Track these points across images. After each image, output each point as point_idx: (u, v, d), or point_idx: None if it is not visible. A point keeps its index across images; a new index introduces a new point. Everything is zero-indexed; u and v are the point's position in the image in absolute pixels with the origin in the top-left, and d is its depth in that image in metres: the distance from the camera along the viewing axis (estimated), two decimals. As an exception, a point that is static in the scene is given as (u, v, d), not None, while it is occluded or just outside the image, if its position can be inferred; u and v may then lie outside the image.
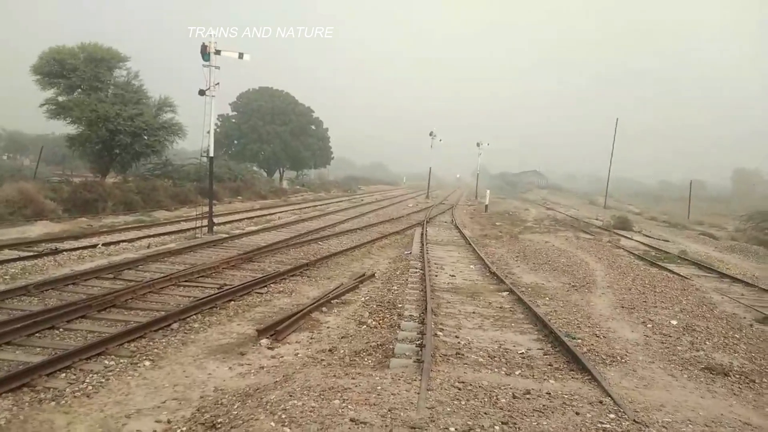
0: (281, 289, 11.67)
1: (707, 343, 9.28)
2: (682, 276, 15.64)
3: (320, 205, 37.03)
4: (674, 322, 10.37)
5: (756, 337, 9.88)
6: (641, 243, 24.10)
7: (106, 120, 27.88)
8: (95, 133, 28.17)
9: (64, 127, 30.29)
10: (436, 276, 13.64)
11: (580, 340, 8.76)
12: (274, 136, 56.68)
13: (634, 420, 5.64)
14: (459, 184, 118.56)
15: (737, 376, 7.76)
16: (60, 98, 28.78)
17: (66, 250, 14.02)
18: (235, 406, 5.79)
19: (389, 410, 5.48)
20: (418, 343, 8.04)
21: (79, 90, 28.97)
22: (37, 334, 7.83)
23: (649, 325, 10.16)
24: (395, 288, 12.15)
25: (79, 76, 28.19)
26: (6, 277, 11.28)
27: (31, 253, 13.38)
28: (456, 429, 5.15)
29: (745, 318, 11.39)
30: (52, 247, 14.16)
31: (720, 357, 8.59)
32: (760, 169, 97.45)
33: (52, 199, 21.37)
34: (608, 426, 5.46)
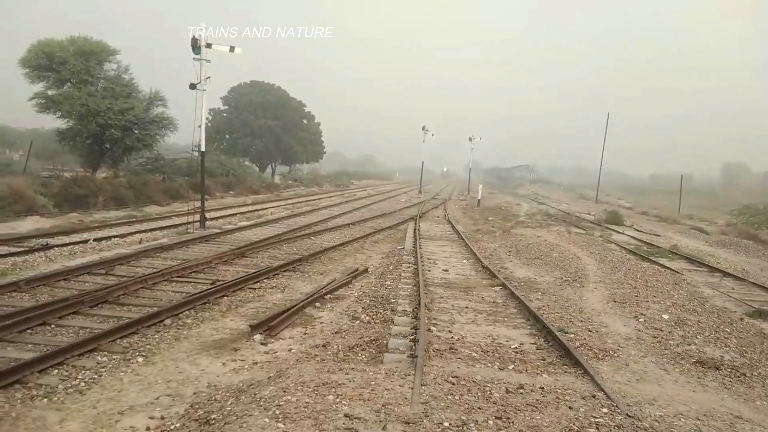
0: (274, 284, 11.65)
1: (698, 337, 9.35)
2: (673, 270, 15.74)
3: (313, 200, 36.94)
4: (666, 317, 10.44)
5: (746, 330, 9.97)
6: (633, 237, 24.23)
7: (96, 114, 27.71)
8: (85, 128, 28.00)
9: (53, 122, 30.15)
10: (429, 271, 13.65)
11: (572, 335, 8.80)
12: (266, 131, 56.47)
13: (627, 414, 5.68)
14: (448, 178, 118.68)
15: (728, 370, 7.82)
16: (49, 92, 28.55)
17: (57, 246, 13.92)
18: (229, 402, 5.78)
19: (383, 405, 5.48)
20: (411, 338, 8.05)
21: (69, 84, 28.75)
22: (28, 331, 7.77)
23: (641, 320, 10.22)
24: (388, 283, 12.15)
25: (68, 70, 27.97)
26: (-4, 272, 11.18)
27: (22, 249, 13.28)
28: (450, 424, 5.16)
29: (735, 312, 11.48)
30: (42, 243, 14.06)
31: (711, 351, 8.65)
32: (746, 164, 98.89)
33: (42, 195, 21.18)
34: (601, 420, 5.49)
